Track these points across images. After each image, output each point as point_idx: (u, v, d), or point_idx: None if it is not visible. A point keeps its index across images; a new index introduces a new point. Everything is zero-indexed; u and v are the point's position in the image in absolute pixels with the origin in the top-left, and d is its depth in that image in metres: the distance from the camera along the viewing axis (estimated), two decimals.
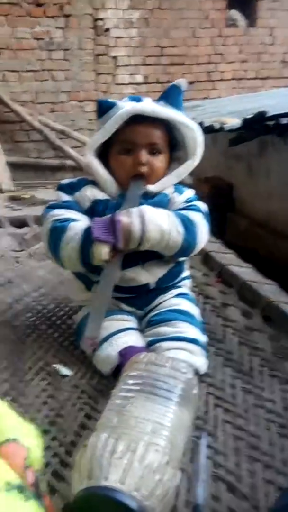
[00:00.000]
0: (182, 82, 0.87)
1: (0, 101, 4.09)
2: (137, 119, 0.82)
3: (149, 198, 0.86)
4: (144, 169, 0.85)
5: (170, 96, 0.86)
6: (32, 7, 4.05)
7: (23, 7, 4.03)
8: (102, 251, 0.78)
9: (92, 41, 4.30)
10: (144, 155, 0.84)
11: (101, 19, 4.27)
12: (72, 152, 4.11)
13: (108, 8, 4.26)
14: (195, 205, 0.89)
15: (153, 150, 0.85)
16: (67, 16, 4.15)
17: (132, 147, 0.84)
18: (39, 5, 4.06)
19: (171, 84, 0.88)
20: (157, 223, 0.80)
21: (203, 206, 0.90)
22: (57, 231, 0.83)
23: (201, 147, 0.87)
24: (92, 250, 0.79)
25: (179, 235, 0.82)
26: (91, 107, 4.40)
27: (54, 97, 4.33)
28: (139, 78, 4.53)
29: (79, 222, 0.83)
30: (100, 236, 0.78)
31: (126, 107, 0.83)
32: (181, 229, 0.82)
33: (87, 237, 0.79)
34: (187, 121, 0.86)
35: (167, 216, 0.82)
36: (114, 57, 4.42)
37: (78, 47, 4.26)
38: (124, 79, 4.49)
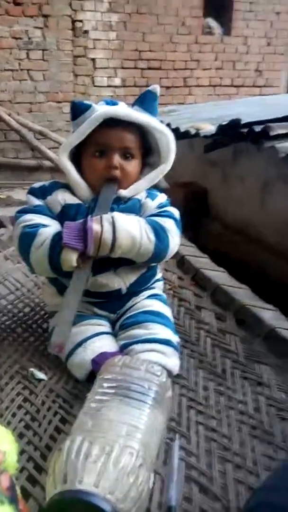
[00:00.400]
0: (156, 87, 0.88)
1: None
2: (111, 123, 0.83)
3: (121, 203, 0.87)
4: (116, 173, 0.85)
5: (145, 101, 0.87)
6: (10, 5, 4.00)
7: (1, 6, 3.97)
8: (71, 258, 0.78)
9: (71, 42, 4.28)
10: (116, 159, 0.85)
11: (80, 20, 4.27)
12: (50, 152, 4.08)
13: (87, 10, 4.26)
14: (167, 211, 0.90)
15: (126, 154, 0.86)
16: (45, 16, 4.12)
17: (105, 150, 0.85)
18: (17, 4, 4.02)
19: (146, 89, 0.89)
20: (128, 231, 0.80)
21: (175, 212, 0.91)
22: (27, 237, 0.83)
23: (173, 153, 0.88)
24: (61, 256, 0.79)
25: (151, 242, 0.82)
26: (69, 108, 4.37)
27: (32, 97, 4.29)
28: (117, 81, 4.55)
29: (49, 228, 0.83)
30: (70, 242, 0.78)
31: (101, 110, 0.83)
32: (152, 236, 0.83)
33: (56, 243, 0.79)
34: (160, 126, 0.87)
35: (138, 223, 0.83)
36: (93, 59, 4.42)
37: (57, 48, 4.23)
38: (102, 81, 4.50)
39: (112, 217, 0.80)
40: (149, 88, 0.88)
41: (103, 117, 0.82)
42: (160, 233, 0.84)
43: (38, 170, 4.30)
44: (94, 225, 0.78)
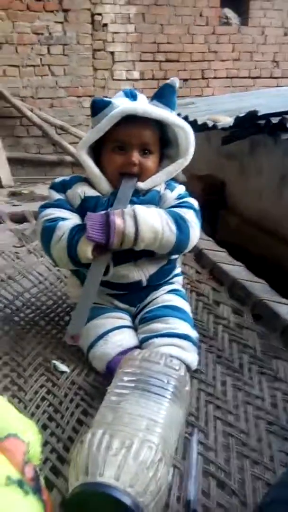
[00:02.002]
0: (175, 81, 0.88)
1: (1, 97, 4.06)
2: (130, 119, 0.84)
3: (140, 195, 0.88)
4: (135, 169, 0.87)
5: (163, 95, 0.87)
6: (31, 1, 4.02)
7: (23, 1, 3.99)
8: (86, 249, 0.80)
9: (90, 36, 4.28)
10: (135, 156, 0.86)
11: (99, 14, 4.25)
12: (71, 147, 4.11)
13: (105, 3, 4.24)
14: (187, 202, 0.90)
15: (145, 150, 0.87)
16: (65, 10, 4.12)
17: (124, 146, 0.86)
18: None
19: (164, 83, 0.89)
20: (150, 223, 0.81)
21: (194, 202, 0.92)
22: (47, 231, 0.85)
23: (192, 147, 0.89)
24: (77, 248, 0.81)
25: (172, 234, 0.83)
26: (89, 102, 4.36)
27: (53, 92, 4.31)
28: (135, 74, 4.52)
29: (68, 221, 0.85)
30: (94, 236, 0.79)
31: (120, 106, 0.84)
32: (174, 227, 0.83)
33: (74, 236, 0.81)
34: (179, 121, 0.87)
35: (159, 215, 0.83)
36: (112, 53, 4.41)
37: (77, 42, 4.23)
38: (121, 74, 4.49)
39: (134, 211, 0.81)
40: (168, 81, 0.88)
41: (121, 115, 0.83)
42: (181, 224, 0.85)
43: (60, 165, 4.34)
44: (117, 219, 0.79)
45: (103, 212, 0.82)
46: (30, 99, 4.24)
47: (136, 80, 4.53)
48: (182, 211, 0.87)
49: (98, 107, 0.86)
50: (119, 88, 4.32)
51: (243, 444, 0.67)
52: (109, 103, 0.85)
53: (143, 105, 0.86)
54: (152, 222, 0.81)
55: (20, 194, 3.58)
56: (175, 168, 0.90)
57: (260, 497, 0.58)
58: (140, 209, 0.82)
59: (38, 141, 4.36)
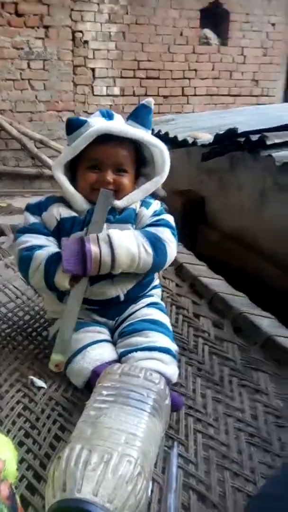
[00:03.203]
0: (150, 101, 0.90)
1: None
2: (105, 138, 0.85)
3: (116, 213, 0.88)
4: (109, 187, 0.87)
5: (139, 115, 0.89)
6: (12, 17, 4.05)
7: (3, 17, 4.02)
8: (64, 281, 0.81)
9: (71, 52, 4.33)
10: (109, 175, 0.87)
11: (80, 31, 4.32)
12: (50, 161, 4.11)
13: (86, 20, 4.31)
14: (162, 219, 0.91)
15: (119, 169, 0.88)
16: (46, 27, 4.17)
17: (99, 165, 0.87)
18: (19, 15, 4.07)
19: (140, 103, 0.90)
20: (125, 248, 0.82)
21: (170, 219, 0.93)
22: (24, 261, 0.86)
23: (168, 165, 0.91)
24: (55, 280, 0.82)
25: (149, 255, 0.84)
26: (70, 116, 4.42)
27: (32, 106, 4.33)
28: (116, 90, 4.59)
29: (43, 250, 0.85)
30: (70, 269, 0.79)
31: (96, 125, 0.85)
32: (150, 250, 0.84)
33: (50, 267, 0.82)
34: (154, 140, 0.89)
35: (135, 238, 0.84)
36: (92, 69, 4.47)
37: (57, 58, 4.28)
38: (102, 90, 4.54)
39: (108, 236, 0.81)
40: (143, 102, 0.90)
41: (97, 134, 0.84)
42: (157, 245, 0.85)
43: (39, 178, 4.33)
44: (93, 247, 0.80)
45: (77, 237, 0.82)
46: (9, 112, 4.25)
47: (116, 96, 4.60)
48: (158, 231, 0.88)
49: (74, 125, 0.87)
50: (99, 103, 4.39)
51: (224, 456, 0.66)
52: (84, 122, 0.86)
53: (119, 125, 0.87)
54: (128, 246, 0.82)
55: None
56: (151, 186, 0.92)
57: (241, 509, 0.57)
58: (115, 234, 0.82)
59: (16, 154, 4.35)
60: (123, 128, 0.86)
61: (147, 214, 0.91)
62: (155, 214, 0.92)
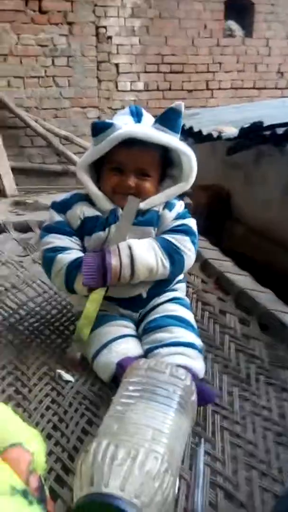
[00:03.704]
0: (180, 105, 0.87)
1: (5, 107, 4.12)
2: (130, 141, 0.84)
3: (139, 215, 0.88)
4: (131, 191, 0.87)
5: (167, 119, 0.87)
6: (36, 14, 4.10)
7: (27, 14, 4.07)
8: (84, 289, 0.84)
9: (95, 48, 4.34)
10: (131, 179, 0.87)
11: (103, 26, 4.32)
12: (75, 157, 4.15)
13: (110, 16, 4.31)
14: (184, 225, 0.91)
15: (142, 173, 0.88)
16: (70, 23, 4.20)
17: (122, 168, 0.87)
18: (43, 12, 4.11)
19: (169, 107, 0.88)
20: (145, 263, 0.83)
21: (192, 224, 0.92)
22: (47, 262, 0.88)
23: (195, 172, 0.90)
24: (74, 286, 0.85)
25: (165, 269, 0.86)
26: (93, 113, 4.45)
27: (57, 103, 4.37)
28: (140, 85, 4.57)
29: (66, 254, 0.86)
30: (90, 283, 0.82)
31: (122, 128, 0.84)
32: (167, 263, 0.85)
33: (70, 272, 0.84)
34: (182, 146, 0.88)
35: (154, 251, 0.84)
36: (116, 64, 4.47)
37: (81, 54, 4.30)
38: (125, 86, 4.54)
39: (130, 248, 0.82)
40: (173, 105, 0.87)
41: (121, 138, 0.84)
42: (175, 257, 0.86)
43: (64, 175, 4.37)
44: (113, 260, 0.81)
45: (98, 252, 0.84)
46: (34, 109, 4.30)
47: (140, 91, 4.58)
48: (178, 240, 0.87)
49: (99, 128, 0.86)
50: (123, 99, 4.38)
51: (251, 455, 0.66)
52: (110, 125, 0.85)
53: (145, 129, 0.86)
54: (148, 260, 0.83)
55: (24, 203, 3.61)
56: (176, 191, 0.91)
57: (269, 509, 0.57)
58: (136, 246, 0.83)
59: (42, 151, 4.40)
60: (149, 133, 0.85)
61: (169, 216, 0.91)
62: (178, 217, 0.92)
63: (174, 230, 0.89)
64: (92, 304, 0.84)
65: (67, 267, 0.84)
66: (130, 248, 0.83)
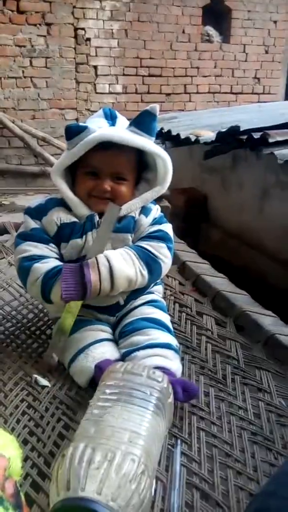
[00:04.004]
0: (155, 108, 0.87)
1: None
2: (105, 144, 0.83)
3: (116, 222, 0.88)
4: (106, 195, 0.87)
5: (142, 122, 0.86)
6: (14, 14, 4.05)
7: (5, 14, 4.02)
8: (60, 302, 0.83)
9: (73, 50, 4.32)
10: (107, 183, 0.86)
11: (82, 28, 4.31)
12: (53, 159, 4.11)
13: (89, 18, 4.30)
14: (160, 231, 0.91)
15: (118, 177, 0.87)
16: (48, 24, 4.16)
17: (97, 172, 0.86)
18: (21, 12, 4.06)
19: (144, 109, 0.87)
20: (124, 274, 0.83)
21: (168, 229, 0.93)
22: (23, 271, 0.86)
23: (170, 175, 0.90)
24: (51, 296, 0.83)
25: (144, 278, 0.86)
26: (71, 115, 4.43)
27: (35, 104, 4.33)
28: (118, 88, 4.58)
29: (42, 264, 0.84)
30: (69, 297, 0.81)
31: (96, 131, 0.84)
32: (145, 273, 0.86)
33: (46, 284, 0.83)
34: (157, 149, 0.87)
35: (132, 262, 0.85)
36: (95, 66, 4.46)
37: (59, 55, 4.27)
38: (104, 88, 4.53)
39: (108, 261, 0.82)
40: (148, 108, 0.87)
41: (96, 141, 0.83)
42: (153, 266, 0.87)
43: (41, 176, 4.33)
44: (92, 276, 0.80)
45: (77, 265, 0.82)
46: (12, 110, 4.25)
47: (119, 93, 4.59)
48: (154, 247, 0.88)
49: (73, 132, 0.86)
50: (101, 101, 4.37)
51: (227, 454, 0.67)
52: (84, 128, 0.84)
53: (120, 132, 0.85)
54: (127, 272, 0.83)
55: (1, 205, 3.55)
56: (152, 195, 0.91)
57: (244, 508, 0.57)
58: (115, 259, 0.82)
59: (19, 152, 4.35)
60: (124, 136, 0.84)
61: (146, 222, 0.91)
62: (155, 222, 0.92)
63: (150, 237, 0.90)
64: (68, 315, 0.83)
65: (43, 277, 0.83)
66: (108, 261, 0.82)
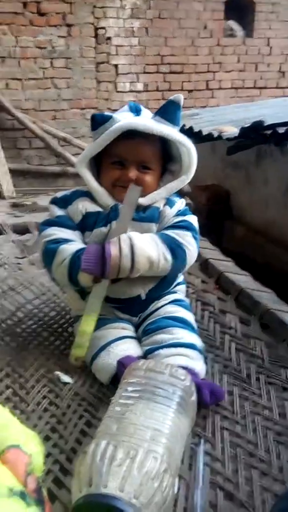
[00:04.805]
0: (179, 97, 0.87)
1: (3, 109, 4.12)
2: (130, 134, 0.83)
3: (140, 212, 0.88)
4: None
5: (167, 111, 0.86)
6: (35, 16, 4.10)
7: (26, 16, 4.07)
8: (87, 280, 0.82)
9: (94, 49, 4.34)
10: (132, 172, 0.86)
11: (102, 28, 4.32)
12: (74, 159, 4.14)
13: (109, 17, 4.31)
14: (185, 221, 0.90)
15: (143, 166, 0.87)
16: (69, 25, 4.20)
17: (123, 161, 0.86)
18: (41, 14, 4.11)
19: (168, 99, 0.88)
20: (146, 254, 0.81)
21: (193, 220, 0.91)
22: (49, 254, 0.85)
23: (195, 164, 0.89)
24: (78, 277, 0.82)
25: (167, 263, 0.84)
26: (94, 113, 4.45)
27: (56, 104, 4.37)
28: (139, 86, 4.57)
29: (69, 245, 0.84)
30: (88, 268, 0.80)
31: (121, 121, 0.84)
32: (169, 257, 0.84)
33: (74, 262, 0.82)
34: (181, 138, 0.87)
35: (156, 245, 0.83)
36: (115, 65, 4.47)
37: (80, 55, 4.30)
38: (125, 86, 4.54)
39: (131, 240, 0.81)
40: (171, 98, 0.87)
41: (121, 130, 0.83)
42: (176, 251, 0.85)
43: (62, 177, 4.37)
44: (113, 250, 0.80)
45: (100, 244, 0.82)
46: (33, 111, 4.30)
47: (139, 91, 4.58)
48: (179, 235, 0.86)
49: (98, 121, 0.86)
50: (122, 100, 4.38)
51: (251, 455, 0.65)
52: (109, 117, 0.85)
53: (144, 121, 0.85)
54: (149, 252, 0.82)
55: (22, 205, 3.61)
56: (177, 185, 0.90)
57: (269, 508, 0.56)
58: (137, 239, 0.82)
59: (40, 152, 4.40)
60: (148, 124, 0.84)
61: (170, 213, 0.90)
62: (179, 213, 0.91)
63: (175, 226, 0.89)
64: (95, 296, 0.82)
65: (71, 257, 0.82)
66: (130, 239, 0.81)
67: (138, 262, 0.80)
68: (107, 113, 0.88)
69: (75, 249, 0.84)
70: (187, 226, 0.89)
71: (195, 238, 0.89)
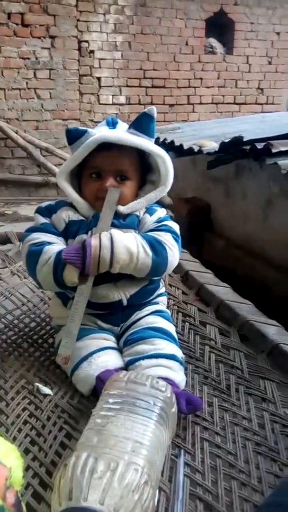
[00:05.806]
0: (152, 109, 0.90)
1: None
2: (106, 146, 0.86)
3: (120, 219, 0.89)
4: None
5: (140, 123, 0.89)
6: (19, 27, 4.12)
7: (10, 27, 4.09)
8: (73, 275, 0.82)
9: (77, 61, 4.38)
10: (109, 181, 0.88)
11: (85, 41, 4.37)
12: (56, 169, 4.14)
13: (92, 31, 4.37)
14: (165, 225, 0.91)
15: (121, 176, 0.89)
16: (52, 37, 4.23)
17: (100, 173, 0.88)
18: (25, 25, 4.13)
19: (142, 111, 0.90)
20: (125, 246, 0.82)
21: (174, 225, 0.93)
22: (33, 255, 0.86)
23: (171, 174, 0.91)
24: (64, 273, 0.82)
25: (148, 256, 0.84)
26: (75, 125, 4.47)
27: (38, 115, 4.38)
28: (122, 99, 4.63)
29: (54, 246, 0.86)
30: (69, 258, 0.81)
31: (96, 134, 0.86)
32: (149, 250, 0.85)
33: (59, 260, 0.82)
34: (156, 149, 0.89)
35: (135, 238, 0.85)
36: (98, 78, 4.52)
37: (63, 67, 4.33)
38: (107, 99, 4.59)
39: (111, 234, 0.83)
40: (145, 110, 0.90)
41: (96, 143, 0.85)
42: (156, 246, 0.86)
43: (44, 186, 4.36)
44: (93, 241, 0.81)
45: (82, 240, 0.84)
46: (15, 121, 4.30)
47: (122, 104, 4.64)
48: (159, 235, 0.88)
49: (74, 136, 0.89)
50: (105, 112, 4.43)
51: (231, 465, 0.66)
52: (84, 131, 0.88)
53: (117, 133, 0.88)
54: (128, 244, 0.83)
55: (4, 214, 3.57)
56: (156, 195, 0.92)
57: None
58: (116, 232, 0.84)
59: (22, 162, 4.39)
60: (122, 136, 0.87)
61: (150, 220, 0.92)
62: (159, 220, 0.92)
63: (156, 230, 0.90)
64: (81, 294, 0.82)
65: (56, 255, 0.83)
66: (111, 233, 0.83)
67: (117, 253, 0.81)
68: (81, 127, 0.90)
69: (59, 248, 0.85)
70: (167, 229, 0.91)
71: (176, 240, 0.90)
